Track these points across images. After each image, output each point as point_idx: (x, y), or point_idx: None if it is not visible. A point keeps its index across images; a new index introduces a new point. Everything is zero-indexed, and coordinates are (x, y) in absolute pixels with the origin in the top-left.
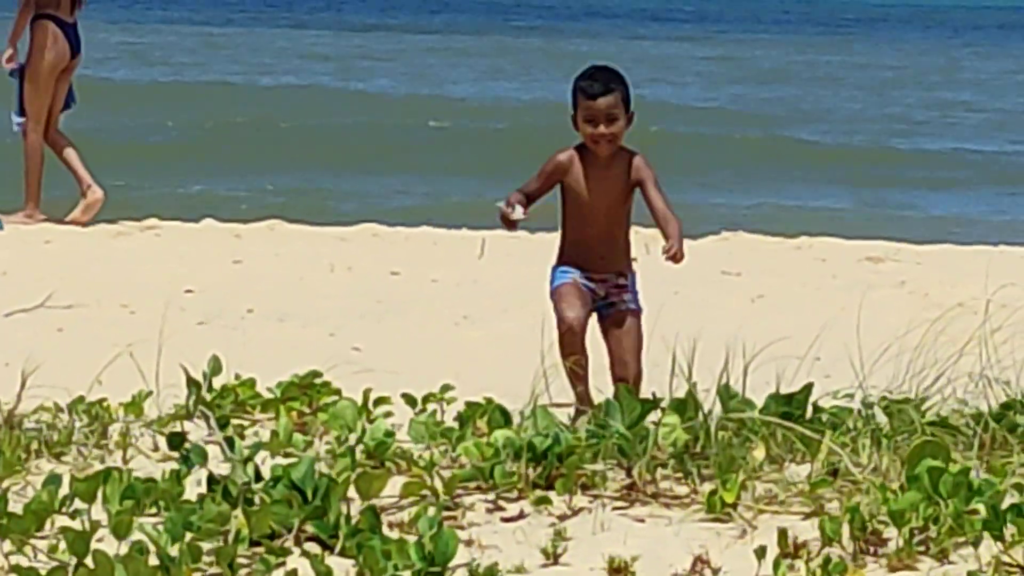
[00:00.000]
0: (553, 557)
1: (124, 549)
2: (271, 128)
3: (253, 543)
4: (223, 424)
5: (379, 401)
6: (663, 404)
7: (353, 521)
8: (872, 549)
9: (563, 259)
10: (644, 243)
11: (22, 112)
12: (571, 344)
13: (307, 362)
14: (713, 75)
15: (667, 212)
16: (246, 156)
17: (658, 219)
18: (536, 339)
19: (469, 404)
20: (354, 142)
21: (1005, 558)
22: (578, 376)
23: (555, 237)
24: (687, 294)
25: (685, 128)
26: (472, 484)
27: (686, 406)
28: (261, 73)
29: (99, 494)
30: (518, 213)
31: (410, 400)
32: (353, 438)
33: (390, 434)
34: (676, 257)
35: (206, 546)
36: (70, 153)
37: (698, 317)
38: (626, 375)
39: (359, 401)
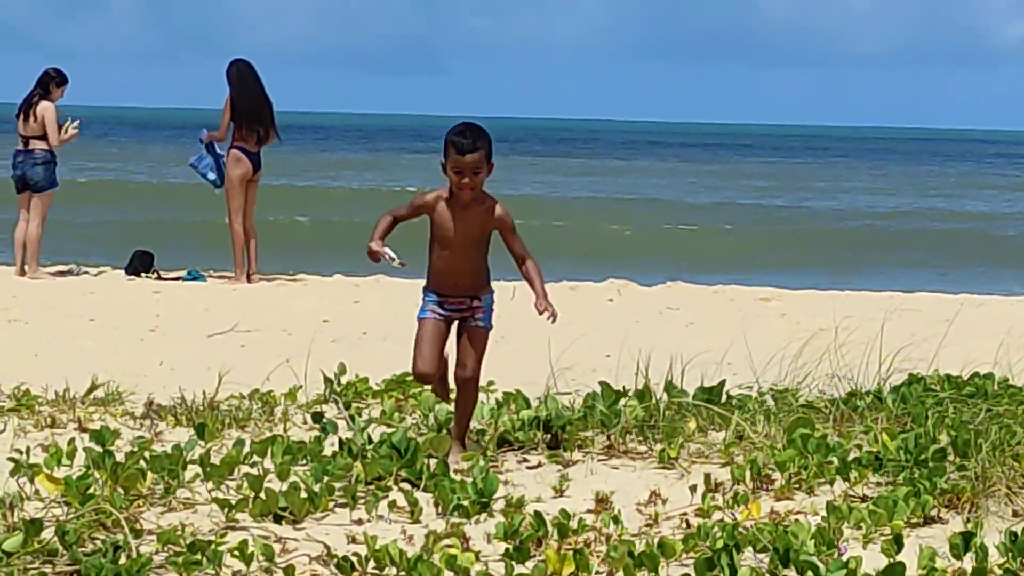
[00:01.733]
0: (560, 492)
1: (284, 487)
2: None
3: (367, 483)
4: (348, 406)
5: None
6: (630, 393)
7: (431, 469)
8: (765, 487)
9: (428, 282)
10: (617, 289)
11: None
12: (423, 383)
13: (401, 367)
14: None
15: (529, 261)
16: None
17: (524, 270)
18: (545, 352)
19: (505, 394)
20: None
21: (850, 492)
22: (436, 392)
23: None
24: (644, 322)
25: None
26: (507, 445)
27: (644, 394)
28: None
29: (268, 452)
30: (390, 253)
31: None
32: (431, 415)
33: (453, 413)
34: (551, 317)
35: (337, 485)
36: (251, 243)
37: (651, 337)
38: (463, 376)
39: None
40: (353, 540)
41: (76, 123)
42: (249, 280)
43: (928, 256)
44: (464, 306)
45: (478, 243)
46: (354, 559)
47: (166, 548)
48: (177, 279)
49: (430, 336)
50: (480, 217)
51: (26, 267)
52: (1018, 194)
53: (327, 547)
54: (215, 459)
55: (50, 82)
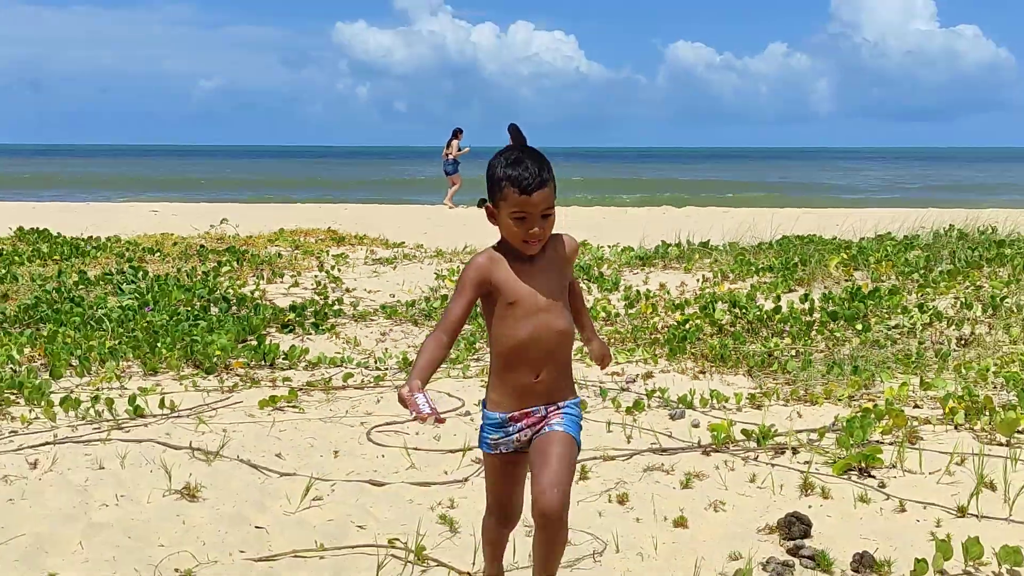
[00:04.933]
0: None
1: None
2: None
3: None
4: None
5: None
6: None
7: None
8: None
9: (492, 396)
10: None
11: None
12: (494, 542)
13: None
14: None
15: (587, 316)
16: None
17: (580, 319)
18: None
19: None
20: None
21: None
22: (495, 556)
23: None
24: (694, 217)
25: None
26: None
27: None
28: None
29: None
30: (422, 404)
31: (628, 249)
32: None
33: (602, 257)
34: (604, 362)
35: None
36: None
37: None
38: (545, 508)
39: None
40: None
41: (466, 149)
42: None
43: None
44: (538, 416)
45: (561, 297)
46: None
47: None
48: None
49: (504, 484)
50: (555, 258)
51: (447, 203)
52: None
53: None
54: None
55: (456, 133)
